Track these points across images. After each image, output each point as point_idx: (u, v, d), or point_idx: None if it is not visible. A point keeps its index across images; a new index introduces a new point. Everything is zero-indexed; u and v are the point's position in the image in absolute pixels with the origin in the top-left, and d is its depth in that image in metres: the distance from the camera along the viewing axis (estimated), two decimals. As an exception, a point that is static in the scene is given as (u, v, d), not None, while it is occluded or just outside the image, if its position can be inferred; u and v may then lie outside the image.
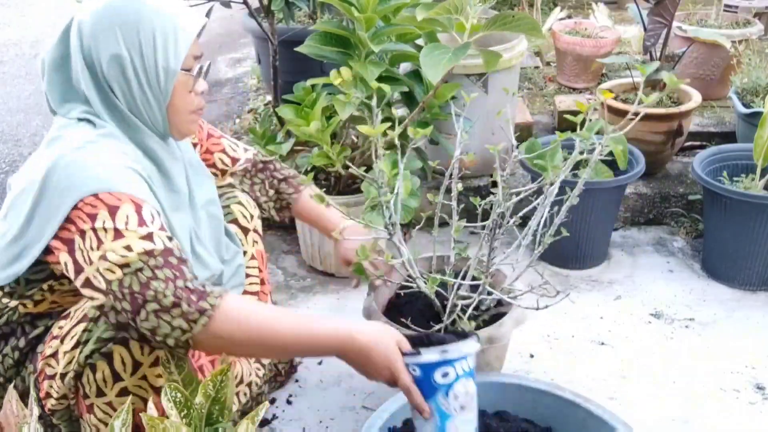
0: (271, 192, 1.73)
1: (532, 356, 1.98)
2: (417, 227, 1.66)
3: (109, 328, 1.24)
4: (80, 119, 1.26)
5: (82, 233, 1.18)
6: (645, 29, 2.54)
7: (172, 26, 1.26)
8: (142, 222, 1.18)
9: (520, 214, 1.55)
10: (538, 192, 2.33)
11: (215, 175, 1.65)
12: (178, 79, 1.28)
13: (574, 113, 2.91)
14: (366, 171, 1.95)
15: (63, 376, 1.28)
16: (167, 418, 1.06)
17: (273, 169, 1.74)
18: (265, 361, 1.70)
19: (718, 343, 2.02)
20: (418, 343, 1.25)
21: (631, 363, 1.95)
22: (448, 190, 1.61)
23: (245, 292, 1.60)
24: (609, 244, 2.45)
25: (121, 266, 1.16)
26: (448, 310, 1.55)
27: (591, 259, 2.38)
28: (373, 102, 1.35)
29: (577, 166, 2.36)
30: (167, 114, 1.31)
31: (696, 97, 2.58)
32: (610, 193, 2.28)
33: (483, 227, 1.55)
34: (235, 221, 1.60)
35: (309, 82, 2.11)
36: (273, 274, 2.36)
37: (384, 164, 1.43)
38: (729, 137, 2.80)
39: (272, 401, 1.80)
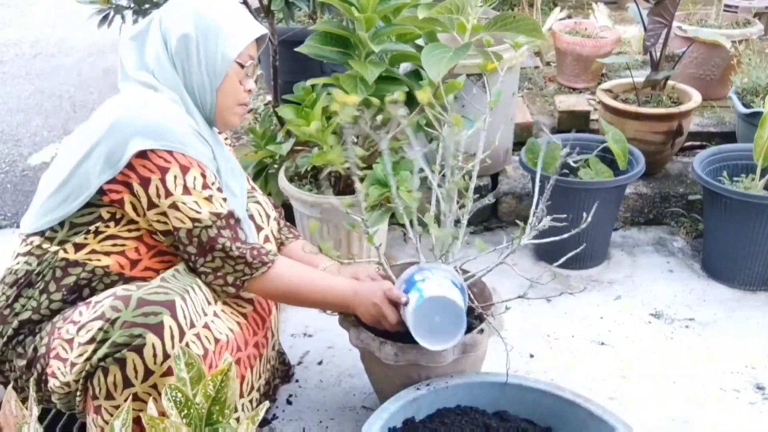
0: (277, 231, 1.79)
1: (532, 356, 1.98)
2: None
3: (125, 334, 1.25)
4: (144, 83, 1.42)
5: (145, 182, 1.34)
6: (645, 29, 2.54)
7: (239, 24, 1.46)
8: (205, 185, 1.39)
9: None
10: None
11: None
12: (231, 67, 1.44)
13: (574, 113, 2.93)
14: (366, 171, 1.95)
15: (73, 365, 1.30)
16: (167, 417, 1.06)
17: (282, 218, 1.83)
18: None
19: (718, 343, 2.02)
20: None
21: (631, 363, 1.95)
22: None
23: None
24: (609, 244, 2.45)
25: (192, 219, 1.37)
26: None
27: (591, 259, 2.38)
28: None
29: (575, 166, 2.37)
30: (216, 97, 1.46)
31: (696, 97, 2.58)
32: (610, 193, 2.28)
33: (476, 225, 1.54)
34: (251, 218, 1.63)
35: (309, 82, 2.11)
36: (273, 274, 2.35)
37: (383, 164, 1.42)
38: (729, 137, 2.80)
39: (272, 401, 1.80)
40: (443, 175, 1.55)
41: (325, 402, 1.82)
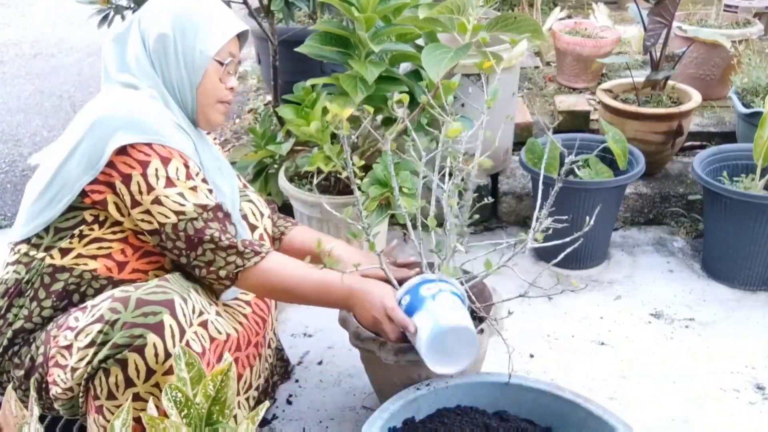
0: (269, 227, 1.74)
1: (532, 356, 1.98)
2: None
3: (126, 335, 1.25)
4: (125, 84, 1.43)
5: (127, 179, 1.33)
6: (645, 29, 2.54)
7: (218, 22, 1.45)
8: (189, 175, 1.37)
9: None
10: (534, 192, 2.33)
11: None
12: (210, 64, 1.44)
13: (574, 113, 2.93)
14: (366, 170, 1.96)
15: (74, 370, 1.29)
16: (167, 417, 1.06)
17: (276, 217, 1.78)
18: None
19: (718, 343, 2.02)
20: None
21: (631, 363, 1.95)
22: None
23: None
24: (609, 244, 2.45)
25: (177, 213, 1.35)
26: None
27: (591, 259, 2.38)
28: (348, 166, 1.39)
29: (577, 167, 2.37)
30: (197, 95, 1.46)
31: (696, 97, 2.58)
32: (610, 193, 2.28)
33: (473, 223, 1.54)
34: (244, 218, 1.62)
35: (309, 82, 2.11)
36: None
37: (383, 164, 1.43)
38: (729, 137, 2.80)
39: (272, 401, 1.80)
40: (443, 176, 1.56)
41: (325, 402, 1.82)
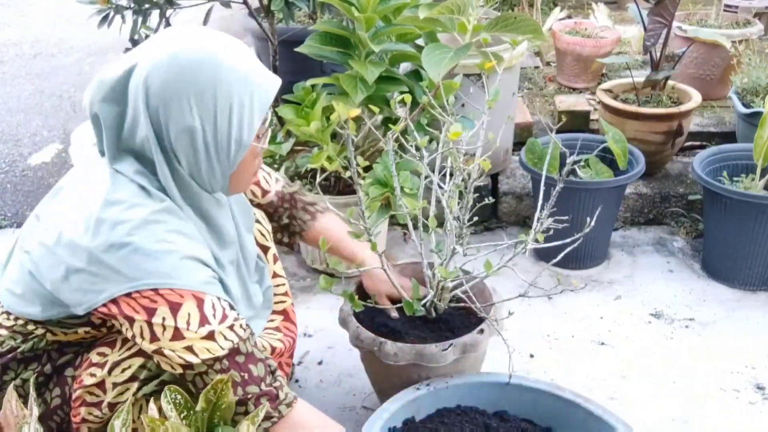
0: (286, 220, 1.66)
1: (532, 356, 1.98)
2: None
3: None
4: (135, 182, 1.18)
5: (130, 320, 1.15)
6: (645, 29, 2.54)
7: (249, 95, 1.17)
8: (204, 320, 1.16)
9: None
10: (535, 192, 2.33)
11: None
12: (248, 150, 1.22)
13: (574, 113, 2.93)
14: (366, 170, 1.96)
15: (112, 405, 1.25)
16: (167, 419, 1.06)
17: (295, 201, 1.67)
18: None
19: (718, 343, 2.02)
20: None
21: (631, 363, 1.95)
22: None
23: (274, 312, 1.59)
24: (609, 244, 2.45)
25: (183, 366, 1.17)
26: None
27: (591, 259, 2.38)
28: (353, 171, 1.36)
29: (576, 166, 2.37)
30: (229, 180, 1.25)
31: (696, 97, 2.58)
32: (610, 193, 2.28)
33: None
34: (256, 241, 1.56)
35: (309, 82, 2.11)
36: (273, 274, 2.36)
37: (383, 164, 1.42)
38: (729, 137, 2.80)
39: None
40: (444, 176, 1.56)
41: (325, 402, 1.82)
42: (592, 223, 1.42)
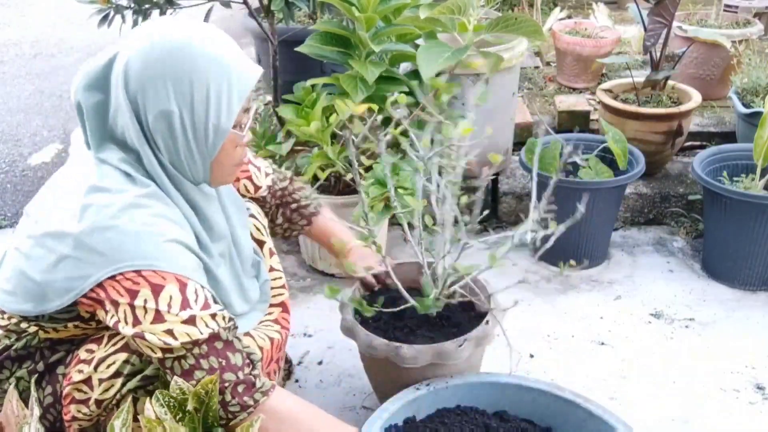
0: (281, 220, 1.70)
1: (532, 356, 1.98)
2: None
3: (156, 366, 1.22)
4: (120, 169, 1.19)
5: (115, 304, 1.15)
6: (645, 29, 2.54)
7: (227, 81, 1.18)
8: (185, 304, 1.16)
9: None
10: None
11: None
12: (227, 136, 1.22)
13: (574, 113, 2.93)
14: (366, 171, 1.96)
15: (99, 402, 1.25)
16: (162, 421, 1.06)
17: (288, 199, 1.68)
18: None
19: (718, 343, 2.02)
20: None
21: (631, 363, 1.95)
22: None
23: (272, 305, 1.60)
24: (609, 244, 2.45)
25: (163, 350, 1.16)
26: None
27: (591, 259, 2.38)
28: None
29: (577, 167, 2.37)
30: (210, 168, 1.26)
31: (696, 97, 2.58)
32: (610, 193, 2.28)
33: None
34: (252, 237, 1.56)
35: (309, 82, 2.11)
36: (273, 274, 2.36)
37: (383, 164, 1.42)
38: (729, 137, 2.80)
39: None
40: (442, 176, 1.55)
41: (325, 402, 1.82)
42: (582, 209, 1.41)
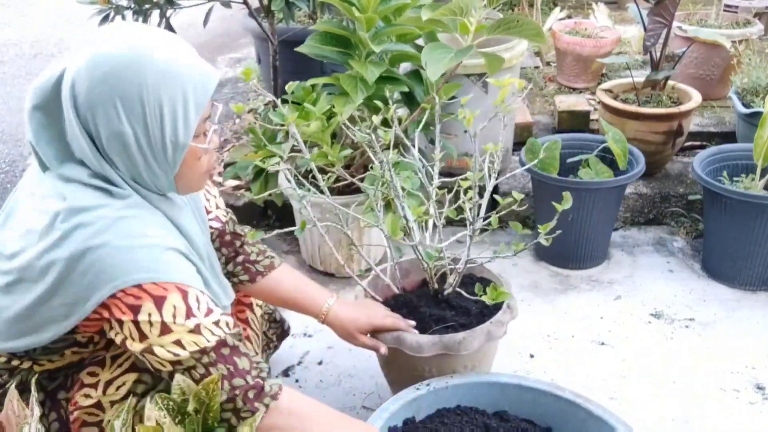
0: (230, 266, 1.56)
1: (532, 356, 1.98)
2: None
3: (168, 381, 1.19)
4: (91, 185, 1.13)
5: (120, 323, 1.12)
6: (645, 29, 2.54)
7: (182, 94, 1.12)
8: (189, 313, 1.13)
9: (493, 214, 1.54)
10: (535, 192, 2.34)
11: None
12: (188, 150, 1.16)
13: (574, 113, 2.93)
14: (365, 171, 1.96)
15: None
16: (162, 425, 1.06)
17: (237, 250, 1.56)
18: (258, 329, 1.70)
19: (718, 343, 2.02)
20: None
21: (631, 363, 1.95)
22: (450, 190, 1.61)
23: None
24: (609, 244, 2.45)
25: (172, 363, 1.14)
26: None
27: (591, 259, 2.38)
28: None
29: (577, 167, 2.37)
30: (175, 181, 1.20)
31: (696, 97, 2.58)
32: (610, 193, 2.28)
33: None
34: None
35: (309, 82, 2.11)
36: (273, 274, 2.36)
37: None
38: (729, 137, 2.80)
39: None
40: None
41: (325, 402, 1.81)
42: (568, 208, 1.42)
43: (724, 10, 3.37)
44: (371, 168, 1.61)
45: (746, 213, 2.13)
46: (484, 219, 1.54)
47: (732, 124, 2.88)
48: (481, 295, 1.51)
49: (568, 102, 3.01)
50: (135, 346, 1.13)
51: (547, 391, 1.46)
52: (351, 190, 2.24)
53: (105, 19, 2.42)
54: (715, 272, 2.31)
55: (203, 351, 1.14)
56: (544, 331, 2.08)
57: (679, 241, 2.53)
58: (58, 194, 1.12)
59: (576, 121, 2.93)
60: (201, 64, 1.15)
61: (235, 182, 2.70)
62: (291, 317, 2.15)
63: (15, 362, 1.23)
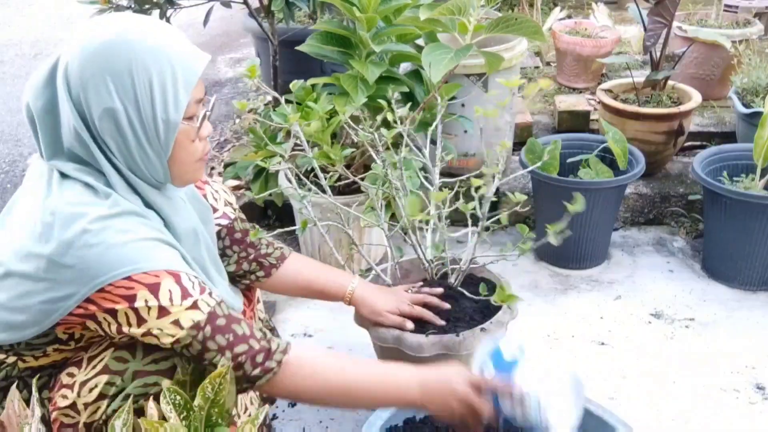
0: (233, 267, 1.55)
1: (532, 356, 1.98)
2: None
3: (139, 385, 1.19)
4: (80, 180, 1.14)
5: (111, 312, 1.12)
6: (645, 29, 2.54)
7: (171, 71, 1.13)
8: (185, 293, 1.14)
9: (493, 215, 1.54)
10: (535, 192, 2.34)
11: None
12: (180, 130, 1.16)
13: (574, 113, 2.93)
14: (365, 171, 1.96)
15: (89, 425, 1.21)
16: (166, 420, 1.05)
17: (247, 248, 1.55)
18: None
19: (718, 343, 2.02)
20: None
21: (631, 363, 1.95)
22: (451, 189, 1.61)
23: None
24: (609, 244, 2.45)
25: (172, 342, 1.15)
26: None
27: (591, 259, 2.38)
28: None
29: (577, 167, 2.37)
30: (169, 167, 1.20)
31: (696, 97, 2.58)
32: (610, 193, 2.28)
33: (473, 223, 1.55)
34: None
35: (309, 82, 2.11)
36: (273, 274, 2.35)
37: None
38: (729, 137, 2.80)
39: (272, 401, 1.80)
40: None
41: (325, 402, 1.82)
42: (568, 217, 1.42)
43: (724, 10, 3.37)
44: (372, 167, 1.61)
45: (746, 213, 2.13)
46: (489, 218, 1.55)
47: (732, 124, 2.88)
48: (486, 296, 1.52)
49: (568, 102, 3.01)
50: (133, 330, 1.13)
51: (548, 391, 1.46)
52: (351, 190, 2.25)
53: (105, 19, 2.42)
54: (715, 272, 2.31)
55: (197, 326, 1.14)
56: (544, 331, 2.08)
57: (679, 241, 2.53)
58: (47, 187, 1.14)
59: (576, 121, 2.93)
60: (191, 47, 1.17)
61: (235, 182, 2.71)
62: (291, 317, 2.15)
63: (1, 356, 1.24)
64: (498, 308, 1.56)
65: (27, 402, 1.18)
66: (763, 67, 2.70)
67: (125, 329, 1.14)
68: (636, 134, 2.53)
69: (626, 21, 4.02)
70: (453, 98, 2.07)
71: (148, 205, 1.21)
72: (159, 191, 1.23)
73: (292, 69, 2.78)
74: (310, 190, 2.21)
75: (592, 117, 2.94)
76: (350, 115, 1.96)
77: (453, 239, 1.66)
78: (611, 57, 3.13)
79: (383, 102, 1.63)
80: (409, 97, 2.18)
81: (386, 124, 1.63)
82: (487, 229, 1.55)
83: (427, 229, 1.68)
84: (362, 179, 1.74)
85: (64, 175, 1.15)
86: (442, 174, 1.74)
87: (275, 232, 1.69)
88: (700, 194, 2.51)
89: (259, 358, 1.18)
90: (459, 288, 1.62)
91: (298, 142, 1.66)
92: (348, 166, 2.16)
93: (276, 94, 1.69)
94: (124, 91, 1.11)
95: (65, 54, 1.14)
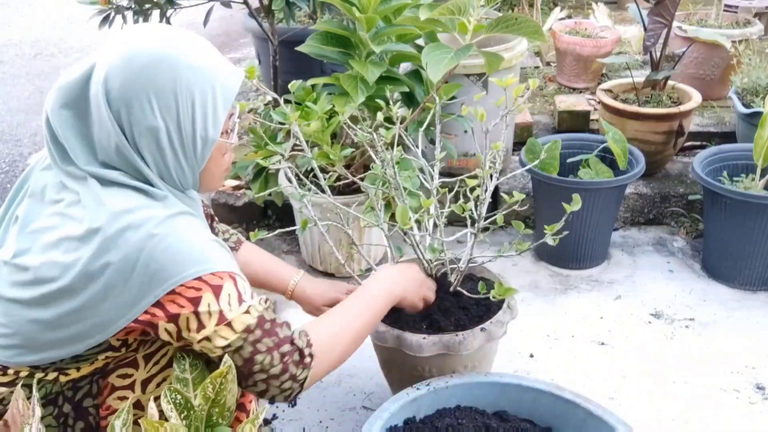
0: None
1: (532, 356, 1.98)
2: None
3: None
4: (127, 186, 1.14)
5: (173, 317, 1.12)
6: (645, 29, 2.54)
7: (212, 90, 1.15)
8: (240, 298, 1.16)
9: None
10: (535, 192, 2.34)
11: None
12: (215, 145, 1.19)
13: (574, 113, 2.93)
14: (365, 171, 1.96)
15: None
16: (167, 420, 1.05)
17: (213, 231, 1.55)
18: None
19: (718, 343, 2.02)
20: None
21: (631, 363, 1.95)
22: (450, 190, 1.61)
23: None
24: (609, 244, 2.45)
25: (223, 347, 1.16)
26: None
27: (591, 259, 2.38)
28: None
29: (577, 167, 2.37)
30: (199, 178, 1.23)
31: (696, 97, 2.58)
32: (610, 193, 2.28)
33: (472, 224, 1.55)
34: None
35: (309, 82, 2.11)
36: (273, 274, 2.35)
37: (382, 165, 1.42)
38: (729, 137, 2.80)
39: (272, 401, 1.80)
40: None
41: (325, 402, 1.82)
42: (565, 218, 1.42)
43: (724, 10, 3.37)
44: (372, 167, 1.61)
45: (746, 213, 2.13)
46: (487, 218, 1.55)
47: (732, 124, 2.88)
48: (485, 293, 1.52)
49: (568, 102, 3.01)
50: (192, 336, 1.14)
51: (547, 390, 1.46)
52: (350, 190, 2.25)
53: (105, 19, 2.42)
54: (715, 272, 2.31)
55: (248, 329, 1.16)
56: (544, 331, 2.08)
57: (679, 241, 2.53)
58: (92, 199, 1.12)
59: (576, 121, 2.93)
60: (227, 64, 1.19)
61: (235, 182, 2.71)
62: (290, 317, 2.14)
63: (39, 374, 1.19)
64: (498, 308, 1.56)
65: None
66: (763, 67, 2.70)
67: (184, 334, 1.14)
68: (636, 134, 2.53)
69: (626, 21, 4.02)
70: (453, 98, 2.07)
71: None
72: (184, 194, 1.24)
73: (292, 69, 2.78)
74: (309, 190, 2.22)
75: (592, 117, 2.94)
76: (350, 115, 1.96)
77: (454, 239, 1.66)
78: (611, 57, 3.13)
79: (383, 102, 1.63)
80: (409, 97, 2.19)
81: (389, 121, 1.64)
82: (486, 229, 1.54)
83: (427, 229, 1.68)
84: (362, 179, 1.74)
85: (106, 182, 1.14)
86: (442, 174, 1.74)
87: (275, 232, 1.69)
88: (700, 194, 2.51)
89: (297, 357, 1.22)
90: (459, 288, 1.62)
91: (298, 142, 1.66)
92: (348, 166, 2.16)
93: (275, 95, 1.69)
94: (167, 110, 1.12)
95: (102, 65, 1.13)
